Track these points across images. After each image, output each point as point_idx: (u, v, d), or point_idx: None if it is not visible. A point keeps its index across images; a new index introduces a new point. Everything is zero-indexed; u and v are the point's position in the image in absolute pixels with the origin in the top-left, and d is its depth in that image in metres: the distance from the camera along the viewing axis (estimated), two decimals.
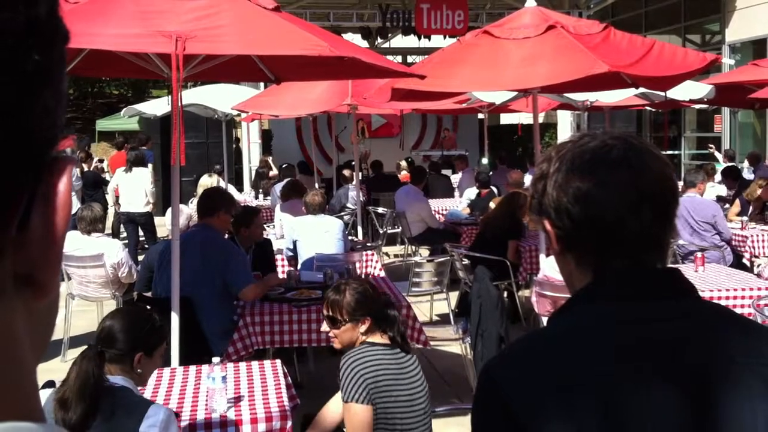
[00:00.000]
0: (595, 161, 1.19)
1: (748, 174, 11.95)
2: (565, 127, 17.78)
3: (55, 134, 0.43)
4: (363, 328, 3.21)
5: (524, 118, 14.77)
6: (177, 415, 3.24)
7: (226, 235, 5.43)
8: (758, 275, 5.82)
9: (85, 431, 2.48)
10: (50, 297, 0.45)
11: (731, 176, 10.38)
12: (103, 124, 23.91)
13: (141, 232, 10.13)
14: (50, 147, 0.43)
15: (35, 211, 0.42)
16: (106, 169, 14.87)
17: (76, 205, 8.85)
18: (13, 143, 0.39)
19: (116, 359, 2.72)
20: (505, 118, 19.66)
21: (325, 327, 3.35)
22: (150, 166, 11.06)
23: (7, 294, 0.41)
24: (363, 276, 6.12)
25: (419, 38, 16.16)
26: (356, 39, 14.85)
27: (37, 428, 0.41)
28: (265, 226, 8.84)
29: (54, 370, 5.86)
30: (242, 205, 7.30)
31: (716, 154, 14.14)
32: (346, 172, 12.18)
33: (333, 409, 3.29)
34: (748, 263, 7.54)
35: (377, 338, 3.20)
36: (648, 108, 13.25)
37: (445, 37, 15.27)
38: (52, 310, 0.46)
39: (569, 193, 1.19)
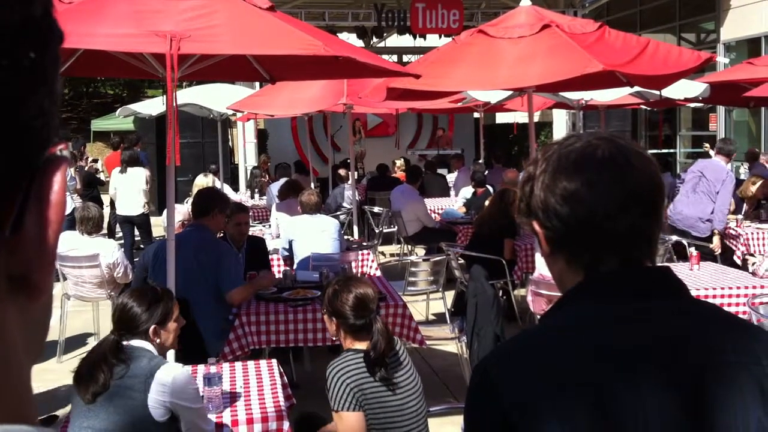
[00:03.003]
0: (582, 161, 1.20)
1: (745, 175, 11.97)
2: (561, 126, 17.81)
3: (49, 134, 0.43)
4: (333, 327, 3.22)
5: (520, 117, 14.75)
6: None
7: (220, 234, 5.44)
8: (753, 273, 5.84)
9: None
10: (44, 298, 0.44)
11: None
12: (98, 124, 23.86)
13: (137, 232, 10.12)
14: (45, 147, 0.42)
15: (29, 212, 0.42)
16: (101, 169, 14.84)
17: (70, 205, 8.83)
18: (8, 142, 0.39)
19: (136, 335, 2.99)
20: (501, 117, 19.67)
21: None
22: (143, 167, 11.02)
23: (1, 295, 0.41)
24: (358, 275, 6.12)
25: (414, 37, 16.16)
26: (351, 38, 14.85)
27: (30, 431, 0.40)
28: (261, 226, 8.85)
29: (50, 370, 5.86)
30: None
31: (711, 152, 14.14)
32: (342, 172, 12.18)
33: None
34: (739, 261, 7.56)
35: (363, 345, 3.15)
36: (643, 107, 13.27)
37: (440, 37, 15.28)
38: (46, 311, 0.46)
39: (557, 194, 1.19)
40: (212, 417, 3.23)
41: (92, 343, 4.74)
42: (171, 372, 2.86)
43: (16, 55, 0.39)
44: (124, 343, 2.93)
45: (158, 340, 3.04)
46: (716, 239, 7.68)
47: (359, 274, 6.32)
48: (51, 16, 0.42)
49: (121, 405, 2.78)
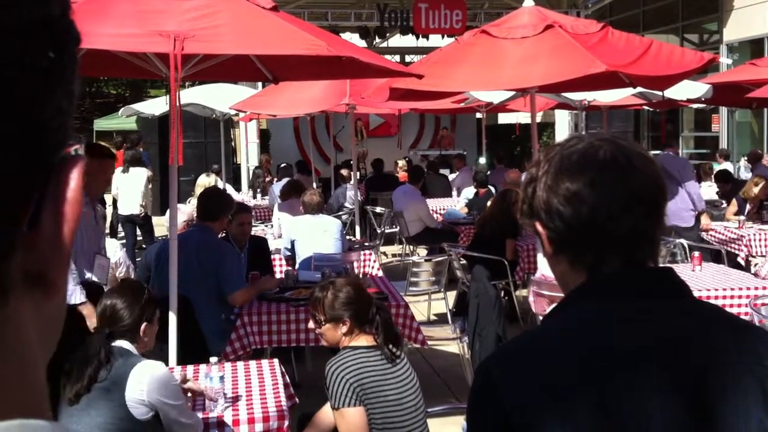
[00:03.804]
0: (584, 162, 1.21)
1: (745, 173, 11.96)
2: (563, 127, 17.80)
3: (66, 134, 0.43)
4: (344, 329, 3.20)
5: (522, 117, 14.75)
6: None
7: (222, 234, 5.44)
8: (755, 274, 5.83)
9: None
10: (59, 295, 0.45)
11: (722, 179, 10.42)
12: (100, 124, 23.87)
13: (139, 232, 10.13)
14: (61, 147, 0.43)
15: (46, 209, 0.42)
16: None
17: None
18: (27, 140, 0.40)
19: (123, 334, 2.95)
20: (503, 118, 19.65)
21: (311, 324, 3.37)
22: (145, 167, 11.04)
23: (17, 291, 0.41)
24: (360, 275, 6.12)
25: (417, 38, 16.17)
26: (354, 38, 14.85)
27: (45, 426, 0.41)
28: (263, 226, 8.86)
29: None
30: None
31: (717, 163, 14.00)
32: (344, 172, 12.18)
33: (329, 410, 3.29)
34: (743, 262, 7.55)
35: (360, 341, 3.18)
36: (646, 107, 13.26)
37: (443, 37, 15.28)
38: (60, 308, 0.47)
39: (559, 194, 1.20)
40: (213, 416, 3.24)
41: None
42: (147, 370, 2.84)
43: (35, 54, 0.40)
44: (112, 343, 2.91)
45: (146, 339, 3.03)
46: (704, 218, 8.11)
47: (361, 275, 6.33)
48: (69, 18, 0.43)
49: (101, 407, 2.77)
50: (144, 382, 2.80)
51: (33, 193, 0.41)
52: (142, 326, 2.99)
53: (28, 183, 0.41)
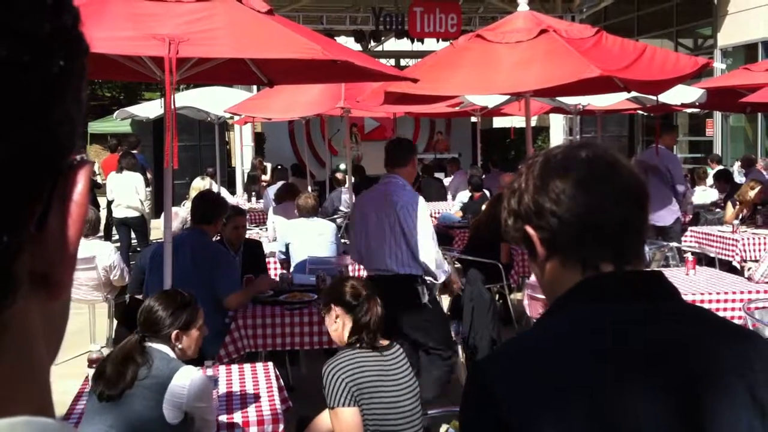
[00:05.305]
0: (570, 162, 1.24)
1: (739, 177, 11.99)
2: (558, 131, 17.83)
3: (73, 140, 0.44)
4: (333, 316, 3.26)
5: (517, 121, 14.80)
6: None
7: (216, 237, 5.44)
8: (748, 278, 5.85)
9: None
10: (64, 296, 0.46)
11: (722, 179, 10.44)
12: (95, 127, 23.83)
13: (133, 235, 10.12)
14: (69, 152, 0.44)
15: (53, 211, 0.43)
16: (98, 172, 14.83)
17: None
18: (37, 143, 0.41)
19: (157, 337, 3.03)
20: (498, 122, 19.71)
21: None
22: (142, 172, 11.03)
23: (24, 291, 0.42)
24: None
25: (412, 42, 16.20)
26: (349, 42, 14.88)
27: (51, 423, 0.42)
28: (258, 229, 8.85)
29: None
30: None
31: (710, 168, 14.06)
32: (339, 175, 12.19)
33: (327, 416, 3.30)
34: (738, 266, 7.57)
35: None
36: (640, 112, 13.30)
37: (438, 41, 15.32)
38: (65, 309, 0.48)
39: (550, 192, 1.22)
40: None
41: (88, 345, 4.74)
42: (188, 375, 2.89)
43: (47, 61, 0.41)
44: (146, 344, 2.98)
45: (180, 345, 3.07)
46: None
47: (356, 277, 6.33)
48: (79, 29, 0.45)
49: (135, 405, 2.81)
50: (185, 387, 2.85)
51: (41, 195, 0.42)
52: (173, 333, 3.03)
53: (37, 185, 0.42)
